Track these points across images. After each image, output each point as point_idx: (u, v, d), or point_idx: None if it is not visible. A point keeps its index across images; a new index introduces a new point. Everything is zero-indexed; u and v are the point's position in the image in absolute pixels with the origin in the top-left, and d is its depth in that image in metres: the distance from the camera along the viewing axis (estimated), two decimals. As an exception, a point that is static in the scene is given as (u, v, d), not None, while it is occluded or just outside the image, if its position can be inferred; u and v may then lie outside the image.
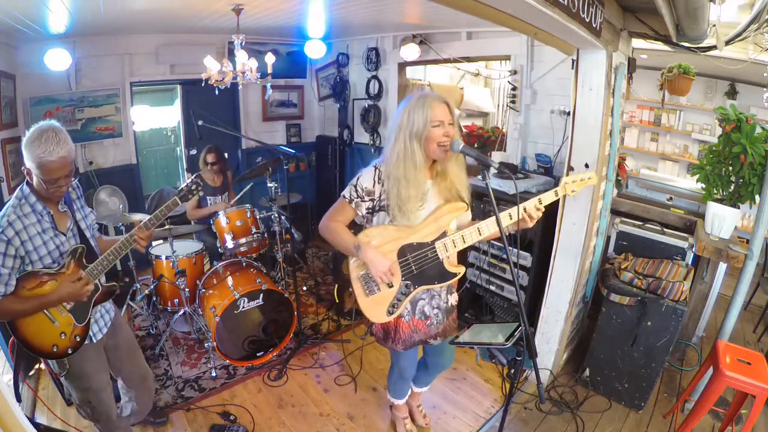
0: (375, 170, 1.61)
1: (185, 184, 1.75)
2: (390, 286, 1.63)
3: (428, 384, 2.25)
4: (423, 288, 1.67)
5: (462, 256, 1.71)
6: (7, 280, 1.42)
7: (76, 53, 3.44)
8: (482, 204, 2.93)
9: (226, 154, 3.65)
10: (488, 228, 1.58)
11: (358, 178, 1.63)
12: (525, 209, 1.56)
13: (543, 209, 1.60)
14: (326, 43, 4.60)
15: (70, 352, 1.58)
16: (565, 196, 2.35)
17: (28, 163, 1.42)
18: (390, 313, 1.66)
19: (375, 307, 1.66)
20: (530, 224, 1.59)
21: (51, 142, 1.39)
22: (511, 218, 1.55)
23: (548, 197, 1.61)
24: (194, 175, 1.79)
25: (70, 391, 1.75)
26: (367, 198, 1.61)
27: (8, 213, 1.44)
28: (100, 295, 1.67)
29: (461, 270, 1.69)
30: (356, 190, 1.62)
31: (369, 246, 1.58)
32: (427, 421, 2.37)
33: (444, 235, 1.62)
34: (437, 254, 1.62)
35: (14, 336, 1.51)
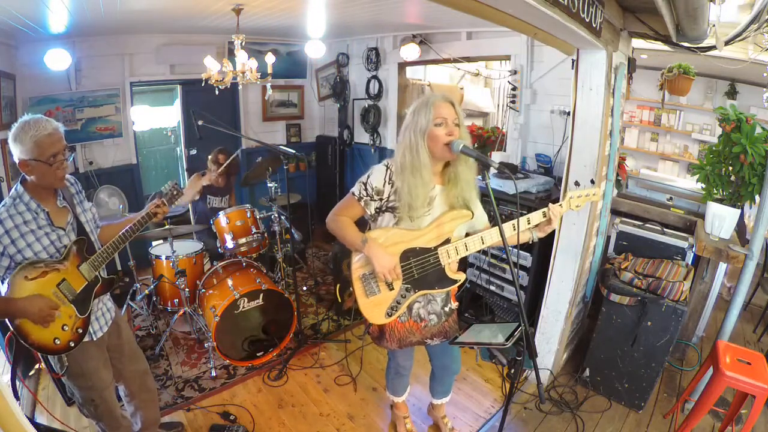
0: (387, 170, 1.59)
1: (167, 190, 1.75)
2: (390, 288, 1.63)
3: (447, 393, 2.19)
4: (422, 293, 1.67)
5: (462, 258, 1.71)
6: None
7: (76, 53, 3.44)
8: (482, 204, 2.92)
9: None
10: (491, 237, 1.59)
11: (368, 176, 1.61)
12: (545, 213, 1.60)
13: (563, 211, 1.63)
14: (326, 43, 4.60)
15: (72, 345, 1.57)
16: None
17: (23, 152, 1.43)
18: (389, 315, 1.66)
19: (374, 309, 1.66)
20: (552, 227, 1.63)
21: (40, 122, 1.45)
22: (514, 229, 1.54)
23: (554, 210, 1.62)
24: (173, 181, 1.78)
25: (73, 390, 1.74)
26: (376, 197, 1.60)
27: (1, 211, 1.46)
28: (100, 287, 1.67)
29: (461, 277, 1.69)
30: (366, 189, 1.60)
31: (376, 242, 1.58)
32: None
33: (447, 241, 1.62)
34: (439, 260, 1.62)
35: (13, 330, 1.49)
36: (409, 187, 1.52)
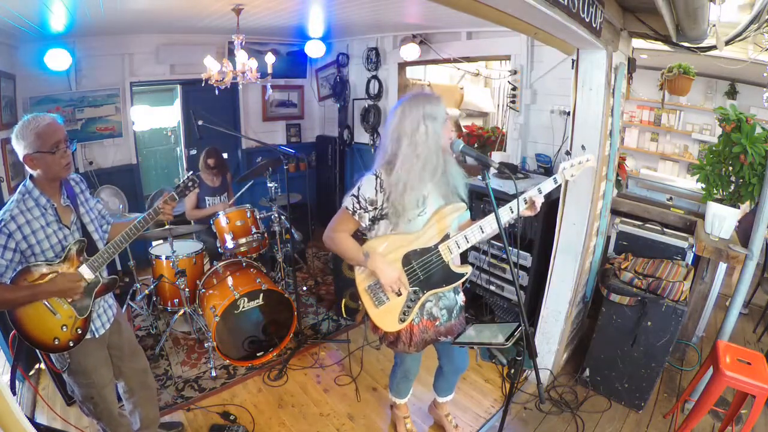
0: (376, 179, 1.58)
1: (182, 181, 1.77)
2: (398, 294, 1.62)
3: (451, 391, 2.20)
4: (431, 292, 1.67)
5: (462, 256, 1.71)
6: (2, 272, 1.45)
7: (76, 53, 3.44)
8: (482, 204, 2.93)
9: (225, 155, 3.65)
10: (490, 225, 1.58)
11: (359, 188, 1.60)
12: (526, 199, 1.59)
13: (543, 197, 1.62)
14: (326, 43, 4.61)
15: (71, 345, 1.58)
16: (565, 196, 2.36)
17: (26, 146, 1.46)
18: (402, 320, 1.65)
19: (386, 317, 1.65)
20: (533, 213, 1.62)
21: (38, 116, 1.50)
22: (512, 211, 1.55)
23: (547, 185, 1.61)
24: (190, 173, 1.80)
25: (73, 387, 1.74)
26: (370, 208, 1.60)
27: (11, 207, 1.47)
28: (101, 287, 1.67)
29: (467, 270, 1.68)
30: (359, 201, 1.59)
31: (377, 254, 1.58)
32: None
33: (447, 237, 1.62)
34: (442, 258, 1.61)
35: (15, 328, 1.51)
36: (404, 197, 1.52)
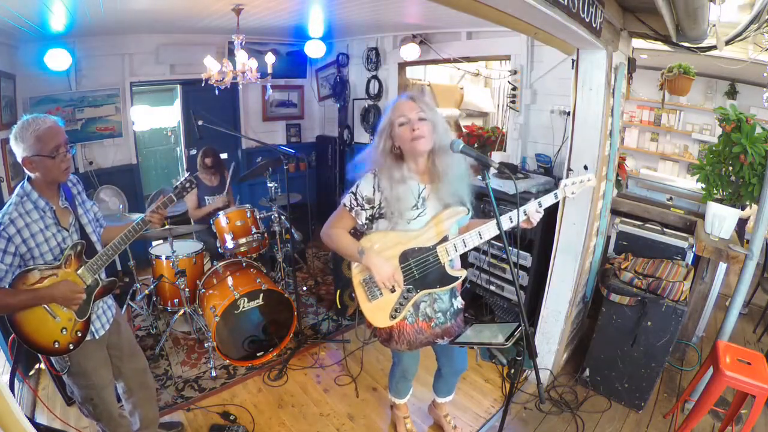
0: (374, 177, 1.60)
1: (180, 182, 1.77)
2: (392, 290, 1.63)
3: (451, 392, 2.20)
4: (425, 292, 1.67)
5: (462, 256, 1.71)
6: (2, 276, 1.44)
7: (76, 53, 3.44)
8: (482, 204, 2.93)
9: (225, 155, 3.65)
10: (489, 232, 1.59)
11: (357, 186, 1.62)
12: (525, 212, 1.58)
13: (542, 211, 1.61)
14: (326, 43, 4.61)
15: (71, 347, 1.58)
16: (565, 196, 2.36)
17: (25, 149, 1.44)
18: (393, 317, 1.65)
19: (378, 312, 1.65)
20: (530, 226, 1.62)
21: (38, 118, 1.48)
22: (511, 221, 1.56)
23: (548, 200, 1.61)
24: (188, 174, 1.81)
25: (72, 388, 1.74)
26: (367, 206, 1.61)
27: (10, 211, 1.45)
28: (100, 290, 1.67)
29: (462, 273, 1.69)
30: (356, 199, 1.61)
31: (372, 251, 1.58)
32: None
33: (445, 239, 1.62)
34: (439, 259, 1.62)
35: (14, 332, 1.50)
36: (393, 190, 1.54)
